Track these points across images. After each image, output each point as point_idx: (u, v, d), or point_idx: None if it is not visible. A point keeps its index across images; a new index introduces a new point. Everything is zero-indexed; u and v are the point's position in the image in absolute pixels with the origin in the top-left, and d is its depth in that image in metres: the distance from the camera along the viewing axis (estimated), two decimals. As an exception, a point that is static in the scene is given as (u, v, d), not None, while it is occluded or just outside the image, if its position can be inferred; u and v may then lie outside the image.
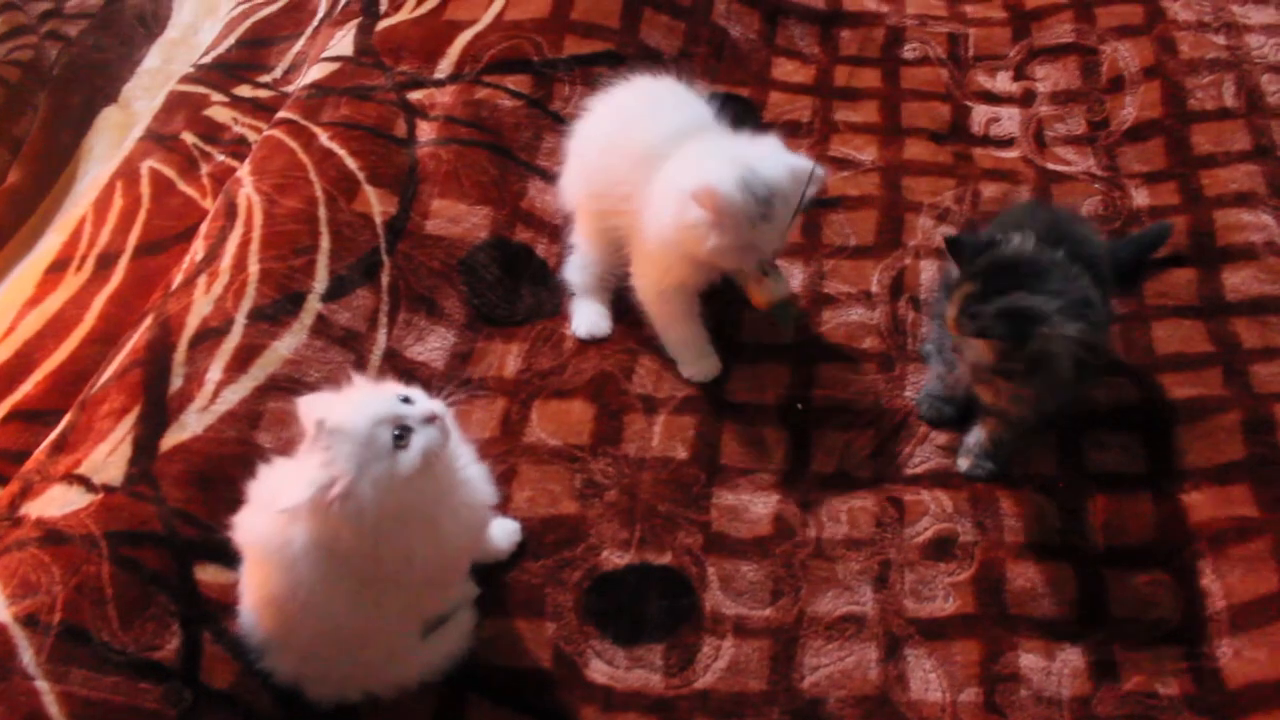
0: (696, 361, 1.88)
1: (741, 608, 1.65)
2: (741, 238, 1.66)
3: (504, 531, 1.68)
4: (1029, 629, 1.62)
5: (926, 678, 1.59)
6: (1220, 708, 1.52)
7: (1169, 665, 1.57)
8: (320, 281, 1.88)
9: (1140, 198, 2.13)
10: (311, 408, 1.34)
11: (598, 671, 1.59)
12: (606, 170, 1.84)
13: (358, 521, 1.32)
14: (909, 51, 2.44)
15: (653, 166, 1.77)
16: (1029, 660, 1.59)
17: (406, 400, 1.36)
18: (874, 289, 2.00)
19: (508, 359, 1.92)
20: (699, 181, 1.63)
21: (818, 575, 1.68)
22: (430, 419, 1.34)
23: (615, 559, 1.69)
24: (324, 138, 2.09)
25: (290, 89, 2.37)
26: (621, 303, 1.96)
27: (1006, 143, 2.27)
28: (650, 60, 2.28)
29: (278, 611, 1.43)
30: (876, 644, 1.62)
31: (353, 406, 1.33)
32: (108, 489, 1.63)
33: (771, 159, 1.69)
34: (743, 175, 1.63)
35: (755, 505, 1.75)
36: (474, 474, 1.49)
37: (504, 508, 1.71)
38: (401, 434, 1.32)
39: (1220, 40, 2.31)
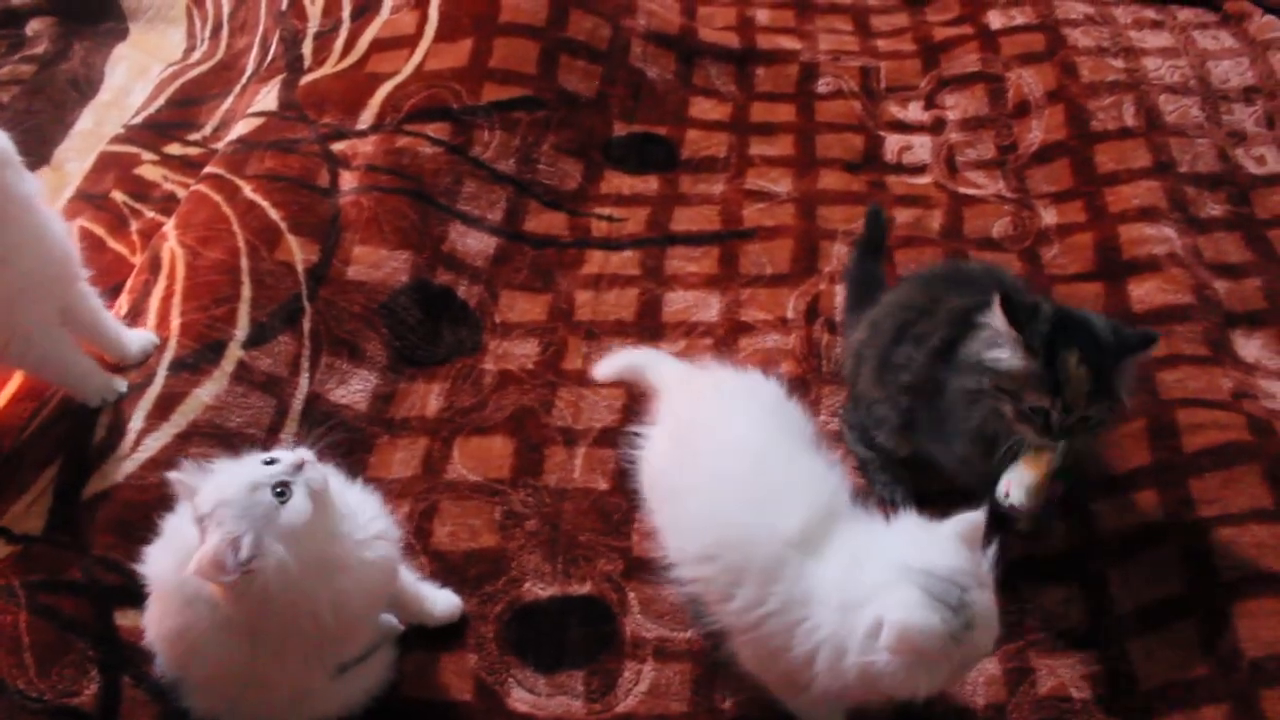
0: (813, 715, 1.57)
1: (663, 630, 1.67)
2: (950, 662, 1.31)
3: (442, 602, 1.66)
4: (944, 641, 1.64)
5: (845, 693, 1.60)
6: (1133, 709, 1.55)
7: (1082, 670, 1.60)
8: (241, 329, 1.91)
9: (1049, 217, 2.19)
10: (184, 489, 1.34)
11: (519, 700, 1.60)
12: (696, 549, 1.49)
13: (282, 577, 1.31)
14: (823, 86, 2.50)
15: (770, 574, 1.40)
16: (944, 671, 1.61)
17: (271, 462, 1.36)
18: (790, 315, 2.04)
19: (429, 398, 1.94)
20: (887, 630, 1.26)
21: (738, 595, 1.69)
22: (299, 466, 1.34)
23: (538, 590, 1.71)
24: (248, 190, 2.13)
25: (219, 146, 2.40)
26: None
27: (919, 169, 2.33)
28: (568, 104, 2.33)
29: (171, 648, 1.44)
30: (796, 661, 1.63)
31: (217, 484, 1.32)
32: (28, 539, 1.66)
33: (939, 546, 1.33)
34: (927, 590, 1.28)
35: (676, 529, 1.77)
36: (377, 530, 1.46)
37: (425, 543, 1.73)
38: (281, 489, 1.32)
39: (1119, 64, 2.39)
